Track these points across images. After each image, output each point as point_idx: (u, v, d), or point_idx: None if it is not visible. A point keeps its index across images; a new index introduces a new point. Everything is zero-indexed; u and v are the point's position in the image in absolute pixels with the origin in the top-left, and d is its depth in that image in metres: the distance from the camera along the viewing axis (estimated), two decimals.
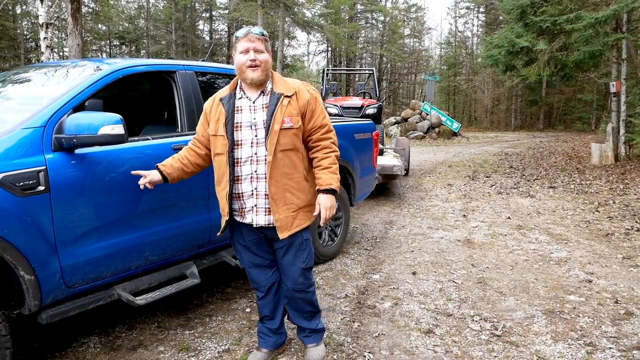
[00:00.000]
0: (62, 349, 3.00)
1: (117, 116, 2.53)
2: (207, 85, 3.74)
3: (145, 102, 4.37)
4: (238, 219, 2.59)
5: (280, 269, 2.72)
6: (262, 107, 2.46)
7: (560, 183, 9.65)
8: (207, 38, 37.17)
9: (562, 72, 12.21)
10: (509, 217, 6.72)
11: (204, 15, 37.68)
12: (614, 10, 9.21)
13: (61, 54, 29.48)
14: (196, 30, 37.01)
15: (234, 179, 2.47)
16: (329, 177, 2.52)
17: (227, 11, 33.85)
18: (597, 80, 17.53)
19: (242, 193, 2.50)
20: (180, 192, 3.14)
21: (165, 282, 3.08)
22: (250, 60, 2.37)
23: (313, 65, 44.33)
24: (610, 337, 3.20)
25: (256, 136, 2.44)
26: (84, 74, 2.92)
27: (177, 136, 3.22)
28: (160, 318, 3.45)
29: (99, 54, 34.00)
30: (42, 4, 8.65)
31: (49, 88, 2.97)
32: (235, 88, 2.53)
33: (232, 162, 2.45)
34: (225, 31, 38.24)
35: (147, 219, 2.95)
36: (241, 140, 2.45)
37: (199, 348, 3.02)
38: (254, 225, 2.54)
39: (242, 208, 2.54)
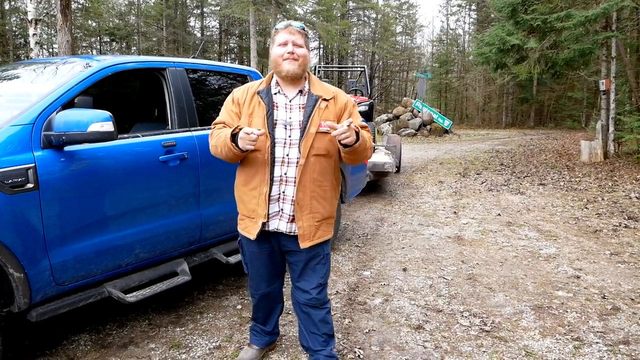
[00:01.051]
0: (52, 346, 2.99)
1: (107, 113, 2.53)
2: (198, 82, 3.74)
3: (135, 99, 4.35)
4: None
5: (294, 283, 2.56)
6: (299, 107, 2.33)
7: (550, 180, 9.73)
8: (198, 35, 36.99)
9: (552, 70, 12.31)
10: (499, 214, 6.77)
11: (195, 11, 37.52)
12: (604, 8, 9.29)
13: (50, 50, 29.22)
14: (187, 27, 36.83)
15: (272, 179, 2.29)
16: (362, 133, 2.28)
17: (218, 8, 33.73)
18: (587, 78, 17.67)
19: (270, 196, 2.33)
20: (171, 189, 3.14)
21: (156, 280, 3.08)
22: (289, 53, 2.25)
23: None
24: (597, 332, 3.25)
25: (290, 136, 2.29)
26: (74, 71, 2.90)
27: (167, 133, 3.21)
28: (151, 315, 3.44)
29: (89, 50, 33.71)
30: (31, 0, 8.57)
31: (38, 85, 2.95)
32: (270, 82, 2.38)
33: (273, 161, 2.28)
34: (217, 28, 38.13)
35: (137, 216, 2.94)
36: (275, 139, 2.29)
37: (190, 345, 3.03)
38: (275, 230, 2.37)
39: (269, 213, 2.35)
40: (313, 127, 2.27)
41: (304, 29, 2.31)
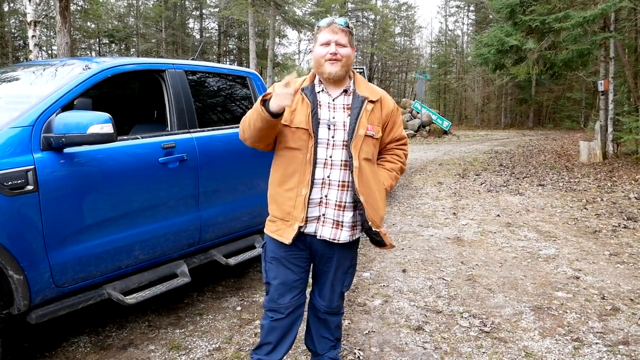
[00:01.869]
0: (52, 348, 2.99)
1: (106, 115, 2.53)
2: (197, 84, 3.74)
3: (134, 101, 4.35)
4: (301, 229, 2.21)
5: (318, 288, 2.43)
6: (343, 107, 2.20)
7: (549, 181, 9.74)
8: (197, 36, 37.00)
9: (551, 71, 12.33)
10: (498, 215, 6.78)
11: (194, 13, 37.55)
12: (602, 9, 9.31)
13: (50, 52, 29.22)
14: (186, 29, 36.85)
15: (313, 181, 2.15)
16: (385, 177, 2.31)
17: (217, 9, 33.74)
18: (585, 78, 17.69)
19: (310, 200, 2.17)
20: (171, 190, 3.14)
21: (156, 281, 3.08)
22: (331, 54, 2.12)
23: (304, 63, 44.24)
24: (597, 332, 3.25)
25: (333, 137, 2.16)
26: (73, 73, 2.90)
27: (166, 135, 3.22)
28: (151, 317, 3.44)
29: (88, 52, 33.72)
30: (30, 1, 8.57)
31: (37, 87, 2.96)
32: (314, 80, 2.26)
33: (315, 162, 2.15)
34: (216, 29, 38.14)
35: (136, 218, 2.94)
36: (318, 139, 2.16)
37: (189, 347, 3.03)
38: (312, 235, 2.22)
39: (307, 217, 2.19)
40: (362, 130, 2.16)
41: (348, 26, 2.17)
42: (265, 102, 2.04)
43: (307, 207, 2.15)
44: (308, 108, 2.15)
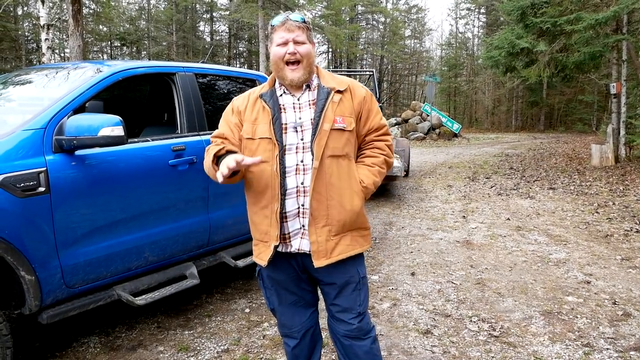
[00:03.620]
0: (62, 348, 3.02)
1: (117, 118, 2.56)
2: (207, 87, 3.77)
3: (145, 103, 4.39)
4: (280, 248, 2.01)
5: (329, 312, 2.18)
6: (309, 104, 2.00)
7: (560, 184, 9.66)
8: (208, 39, 37.23)
9: (562, 73, 12.25)
10: (508, 219, 6.73)
11: (204, 16, 37.77)
12: (614, 11, 9.23)
13: (62, 55, 29.54)
14: (197, 32, 37.09)
15: (285, 192, 1.94)
16: (365, 174, 2.06)
17: (228, 12, 33.89)
18: (597, 81, 17.56)
19: (286, 213, 1.96)
20: (180, 193, 3.16)
21: (165, 283, 3.10)
22: (290, 54, 1.92)
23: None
24: (608, 338, 3.21)
25: (302, 139, 1.96)
26: (85, 76, 2.94)
27: (176, 137, 3.24)
28: (160, 318, 3.46)
29: (100, 55, 34.05)
30: (43, 5, 8.69)
31: (49, 90, 3.00)
32: (274, 84, 2.07)
33: (283, 172, 1.94)
34: (226, 32, 38.32)
35: (146, 220, 2.97)
36: (286, 145, 1.96)
37: (198, 348, 3.04)
38: (296, 251, 2.01)
39: (287, 233, 1.99)
40: (327, 124, 1.94)
41: (304, 22, 1.98)
42: (218, 160, 1.92)
43: (282, 222, 1.97)
44: (269, 115, 1.98)
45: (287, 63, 1.95)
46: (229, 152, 1.93)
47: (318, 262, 1.97)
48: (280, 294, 2.15)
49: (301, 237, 1.99)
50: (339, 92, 2.01)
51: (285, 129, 1.98)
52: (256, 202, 2.03)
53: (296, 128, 1.98)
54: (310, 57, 1.98)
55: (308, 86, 2.03)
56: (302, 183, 1.95)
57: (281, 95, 2.03)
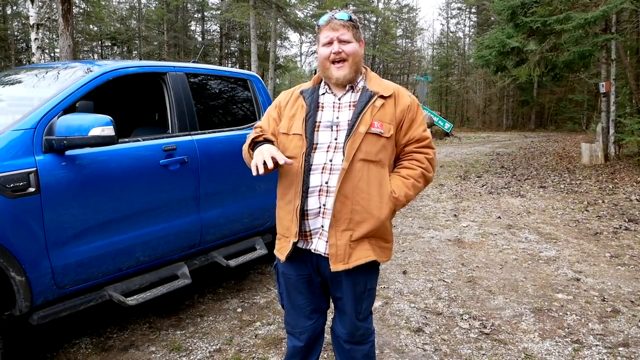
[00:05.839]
0: (53, 349, 3.00)
1: (108, 118, 2.55)
2: (198, 86, 3.76)
3: (136, 103, 4.37)
4: (300, 244, 2.00)
5: (337, 315, 2.16)
6: (349, 105, 1.98)
7: (550, 183, 9.73)
8: (199, 39, 37.08)
9: (552, 73, 12.34)
10: (499, 217, 6.78)
11: (196, 16, 37.61)
12: (603, 11, 9.31)
13: (52, 55, 29.31)
14: (188, 31, 36.91)
15: (307, 190, 1.92)
16: (398, 185, 1.97)
17: (219, 12, 33.81)
18: (587, 80, 17.68)
19: (307, 210, 1.94)
20: (172, 192, 3.15)
21: (157, 283, 3.09)
22: (334, 53, 1.91)
23: (305, 66, 44.32)
24: (597, 334, 3.25)
25: (336, 139, 1.94)
26: (75, 76, 2.93)
27: (167, 137, 3.24)
28: (152, 318, 3.45)
29: (90, 55, 33.82)
30: (32, 4, 8.61)
31: (39, 89, 2.98)
32: (320, 82, 2.08)
33: (309, 169, 1.93)
34: (218, 32, 38.21)
35: (138, 220, 2.96)
36: (317, 144, 1.95)
37: (190, 348, 3.04)
38: (314, 251, 1.99)
39: (308, 230, 1.97)
40: (363, 126, 1.89)
41: (351, 20, 1.95)
42: (255, 145, 1.99)
43: (301, 219, 1.94)
44: (304, 112, 2.00)
45: (333, 62, 1.94)
46: (267, 140, 2.00)
47: (335, 267, 1.93)
48: (290, 294, 2.15)
49: (319, 238, 1.97)
50: (382, 97, 1.98)
51: (318, 126, 1.97)
52: (282, 197, 2.04)
53: (331, 127, 1.96)
54: (357, 55, 1.96)
55: (352, 87, 2.01)
56: (326, 182, 1.92)
57: (323, 93, 2.04)
